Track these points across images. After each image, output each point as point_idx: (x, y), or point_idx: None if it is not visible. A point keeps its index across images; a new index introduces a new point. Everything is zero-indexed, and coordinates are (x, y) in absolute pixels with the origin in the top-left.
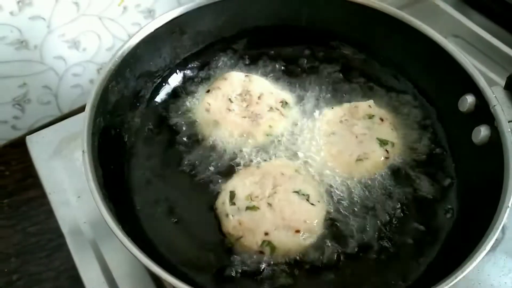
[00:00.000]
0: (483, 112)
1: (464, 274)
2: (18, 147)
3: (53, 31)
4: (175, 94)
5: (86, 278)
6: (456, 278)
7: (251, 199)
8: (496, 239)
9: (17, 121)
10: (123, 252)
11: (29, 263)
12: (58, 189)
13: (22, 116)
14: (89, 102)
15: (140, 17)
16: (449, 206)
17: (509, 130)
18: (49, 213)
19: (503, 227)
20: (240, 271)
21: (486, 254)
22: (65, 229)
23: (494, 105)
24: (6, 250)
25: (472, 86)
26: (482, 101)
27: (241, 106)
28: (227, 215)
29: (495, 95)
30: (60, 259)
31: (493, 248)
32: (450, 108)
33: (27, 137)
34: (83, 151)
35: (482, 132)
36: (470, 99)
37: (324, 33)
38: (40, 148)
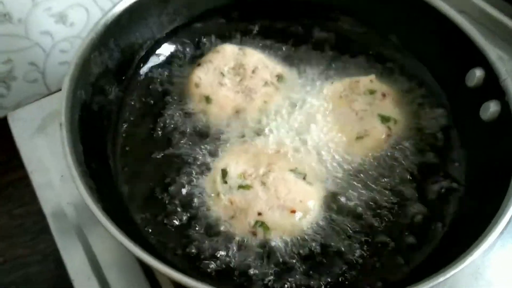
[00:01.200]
0: (493, 87)
1: (471, 259)
2: (3, 126)
3: (38, 4)
4: (163, 67)
5: (70, 263)
6: (462, 263)
7: (244, 178)
8: None
9: (2, 99)
10: (108, 235)
11: (14, 246)
12: (41, 168)
13: (7, 94)
14: (69, 73)
15: None
16: (456, 186)
17: None
18: (34, 194)
19: None
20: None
21: None
22: (47, 210)
23: (505, 79)
24: None
25: (480, 59)
26: (491, 75)
27: (234, 80)
28: (218, 194)
29: (505, 68)
30: (45, 241)
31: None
32: (457, 83)
33: (9, 113)
34: (60, 124)
35: (491, 108)
36: (478, 73)
37: (323, 4)
38: (22, 125)
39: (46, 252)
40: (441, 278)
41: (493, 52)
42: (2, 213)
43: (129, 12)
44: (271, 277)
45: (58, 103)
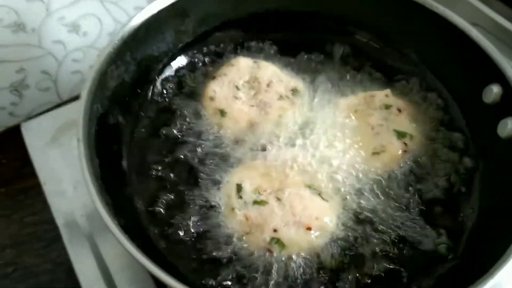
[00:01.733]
0: (510, 103)
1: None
2: (16, 134)
3: (52, 14)
4: (179, 80)
5: (81, 273)
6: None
7: (259, 193)
8: None
9: (15, 107)
10: (120, 247)
11: (25, 255)
12: (54, 179)
13: (19, 103)
14: (86, 87)
15: (143, 1)
16: (472, 206)
17: None
18: (46, 203)
19: None
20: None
21: None
22: (60, 221)
23: None
24: (2, 240)
25: (498, 75)
26: (509, 91)
27: (248, 94)
28: (233, 209)
29: None
30: (57, 250)
31: None
32: (474, 99)
33: (22, 123)
34: (78, 140)
35: (509, 125)
36: (496, 89)
37: (339, 18)
38: (35, 136)
39: (57, 261)
40: None
41: (510, 68)
42: (14, 221)
43: (146, 25)
44: None
45: (75, 115)
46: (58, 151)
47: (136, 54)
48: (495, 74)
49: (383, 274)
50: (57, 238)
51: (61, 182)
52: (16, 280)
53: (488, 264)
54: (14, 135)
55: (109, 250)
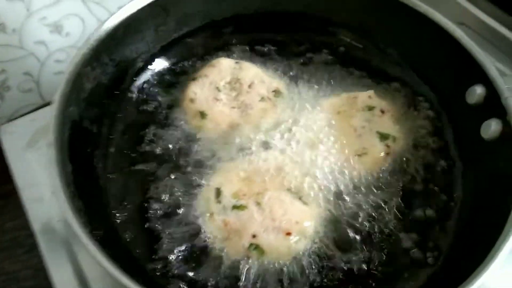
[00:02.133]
0: (494, 105)
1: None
2: None
3: (33, 14)
4: (158, 81)
5: (58, 280)
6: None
7: (239, 197)
8: None
9: None
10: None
11: (6, 261)
12: (31, 183)
13: (1, 105)
14: (59, 90)
15: (126, 0)
16: (454, 206)
17: None
18: None
19: None
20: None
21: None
22: (36, 227)
23: (507, 97)
24: None
25: (481, 76)
26: (492, 92)
27: (229, 95)
28: (211, 215)
29: (507, 86)
30: (38, 256)
31: None
32: (457, 100)
33: (1, 126)
34: (48, 145)
35: (492, 127)
36: (479, 90)
37: (323, 18)
38: (13, 139)
39: (38, 266)
40: None
41: (494, 69)
42: None
43: (124, 25)
44: None
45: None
46: (36, 155)
47: (114, 55)
48: (479, 75)
49: (363, 280)
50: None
51: (38, 187)
52: None
53: (470, 269)
54: None
55: (86, 257)
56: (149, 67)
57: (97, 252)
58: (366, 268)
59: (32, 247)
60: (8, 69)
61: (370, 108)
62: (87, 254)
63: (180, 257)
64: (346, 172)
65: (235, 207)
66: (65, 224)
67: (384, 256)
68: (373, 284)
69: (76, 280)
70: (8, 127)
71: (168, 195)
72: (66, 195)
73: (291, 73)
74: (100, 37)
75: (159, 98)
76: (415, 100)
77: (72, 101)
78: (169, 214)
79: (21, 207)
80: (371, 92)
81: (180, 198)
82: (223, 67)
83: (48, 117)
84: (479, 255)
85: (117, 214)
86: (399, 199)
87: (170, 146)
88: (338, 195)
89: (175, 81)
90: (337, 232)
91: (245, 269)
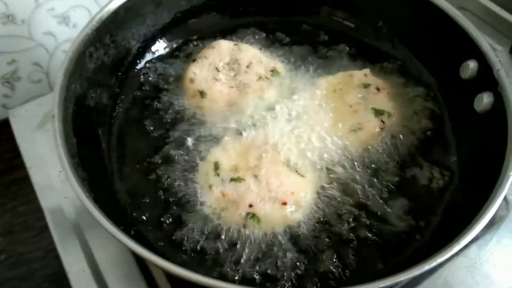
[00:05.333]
0: (486, 78)
1: (460, 246)
2: (8, 126)
3: (41, 5)
4: (158, 62)
5: (67, 260)
6: (451, 250)
7: (236, 170)
8: (500, 216)
9: (7, 99)
10: (105, 231)
11: (17, 243)
12: (40, 163)
13: (12, 95)
14: (63, 67)
15: None
16: (448, 178)
17: None
18: None
19: (507, 203)
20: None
21: (489, 232)
22: (45, 205)
23: (498, 69)
24: None
25: (474, 51)
26: (485, 66)
27: (228, 75)
28: (210, 187)
29: (499, 59)
30: (48, 238)
31: (497, 226)
32: (451, 76)
33: (10, 111)
34: (53, 116)
35: (484, 99)
36: (472, 64)
37: None
38: (23, 122)
39: (48, 248)
40: (426, 267)
41: (486, 44)
42: (6, 211)
43: (125, 8)
44: (259, 267)
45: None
46: (45, 136)
47: (115, 37)
48: (471, 50)
49: (356, 253)
50: (48, 226)
51: (46, 167)
52: (8, 266)
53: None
54: (6, 127)
55: (94, 235)
56: (150, 48)
57: (100, 215)
58: (355, 238)
59: (42, 230)
60: (19, 59)
61: (366, 86)
62: (94, 231)
63: (180, 227)
64: (341, 146)
65: (232, 179)
66: (72, 203)
67: (375, 226)
68: (363, 251)
69: (86, 260)
70: (17, 111)
71: (170, 169)
72: (69, 163)
73: (288, 54)
74: (102, 18)
75: (160, 79)
76: (409, 77)
77: (75, 78)
78: (171, 187)
79: (32, 192)
80: (366, 70)
81: (181, 173)
82: (222, 49)
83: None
84: (467, 221)
85: (121, 189)
86: (393, 173)
87: (171, 125)
88: (333, 168)
89: (175, 62)
90: (331, 203)
91: (242, 237)
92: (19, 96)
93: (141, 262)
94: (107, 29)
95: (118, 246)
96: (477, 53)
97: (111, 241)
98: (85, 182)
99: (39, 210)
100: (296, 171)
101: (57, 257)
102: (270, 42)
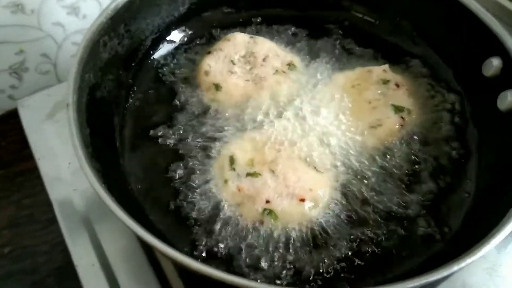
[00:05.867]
0: (510, 75)
1: (481, 254)
2: (15, 117)
3: None
4: (173, 54)
5: (74, 249)
6: (475, 255)
7: (253, 165)
8: None
9: (14, 90)
10: (115, 224)
11: (22, 236)
12: (49, 154)
13: (19, 86)
14: (77, 55)
15: None
16: (470, 180)
17: None
18: (44, 185)
19: None
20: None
21: (510, 234)
22: (54, 197)
23: None
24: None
25: (498, 48)
26: (509, 64)
27: (244, 68)
28: (226, 181)
29: None
30: (54, 232)
31: None
32: (473, 73)
33: (18, 101)
34: (67, 104)
35: (508, 97)
36: (495, 62)
37: None
38: (32, 113)
39: (54, 242)
40: (455, 267)
41: (511, 40)
42: (12, 203)
43: None
44: (277, 264)
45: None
46: (54, 127)
47: (130, 27)
48: (495, 46)
49: (375, 251)
50: (54, 220)
51: (56, 159)
52: (13, 259)
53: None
54: (13, 118)
55: (104, 228)
56: (165, 40)
57: (114, 205)
58: (375, 238)
59: (48, 223)
60: (27, 49)
61: (385, 82)
62: (104, 224)
63: (194, 221)
64: (360, 143)
65: (249, 174)
66: (82, 195)
67: (394, 228)
68: (380, 254)
69: (95, 253)
70: (25, 101)
71: (184, 163)
72: (83, 153)
73: (305, 48)
74: (117, 7)
75: (175, 71)
76: (430, 74)
77: (89, 68)
78: (185, 181)
79: (38, 184)
80: (386, 66)
81: (196, 166)
82: (238, 41)
83: (65, 91)
84: (488, 228)
85: (134, 181)
86: (413, 171)
87: (185, 118)
88: (352, 164)
89: (190, 54)
90: (349, 201)
91: (258, 233)
92: (26, 87)
93: (151, 256)
94: (122, 18)
95: (128, 240)
96: (501, 49)
97: (121, 234)
98: (99, 173)
99: (45, 203)
100: (314, 167)
101: (62, 251)
102: (287, 35)
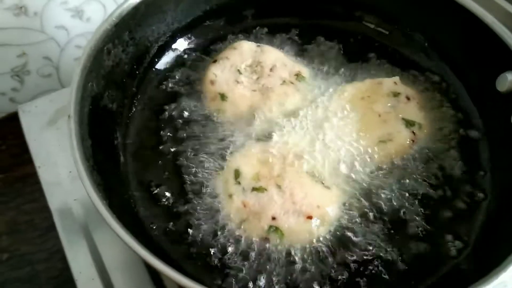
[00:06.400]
0: None
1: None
2: (16, 120)
3: None
4: (179, 63)
5: (74, 262)
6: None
7: (258, 179)
8: None
9: (16, 93)
10: (114, 234)
11: (20, 242)
12: (49, 162)
13: (21, 89)
14: (80, 63)
15: None
16: (482, 197)
17: None
18: None
19: None
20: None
21: None
22: (53, 206)
23: None
24: None
25: None
26: None
27: (250, 78)
28: (230, 196)
29: None
30: (53, 239)
31: None
32: (487, 88)
33: (19, 106)
34: (69, 116)
35: None
36: (510, 77)
37: (347, 2)
38: (32, 118)
39: (53, 250)
40: None
41: None
42: (11, 208)
43: (145, 4)
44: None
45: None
46: (55, 134)
47: (134, 34)
48: (510, 61)
49: (384, 270)
50: (54, 226)
51: (56, 167)
52: (11, 267)
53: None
54: (14, 121)
55: (103, 239)
56: (170, 48)
57: (115, 224)
58: (382, 256)
59: (47, 230)
60: (29, 52)
61: (395, 94)
62: (104, 235)
63: (197, 237)
64: (369, 158)
65: (254, 188)
66: (82, 205)
67: (403, 242)
68: (390, 269)
69: (92, 261)
70: (27, 106)
71: (187, 176)
72: (84, 167)
73: (314, 58)
74: (122, 14)
75: (179, 79)
76: (442, 87)
77: (92, 77)
78: (187, 194)
79: (38, 189)
80: (396, 78)
81: (199, 180)
82: (245, 50)
83: (67, 98)
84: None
85: (136, 193)
86: (424, 188)
87: (189, 128)
88: (361, 180)
89: (195, 63)
90: (358, 217)
91: (263, 250)
92: (27, 90)
93: (151, 268)
94: (127, 25)
95: (128, 251)
96: None
97: (122, 246)
98: (100, 187)
99: (45, 209)
100: (321, 183)
101: (61, 259)
102: (296, 45)
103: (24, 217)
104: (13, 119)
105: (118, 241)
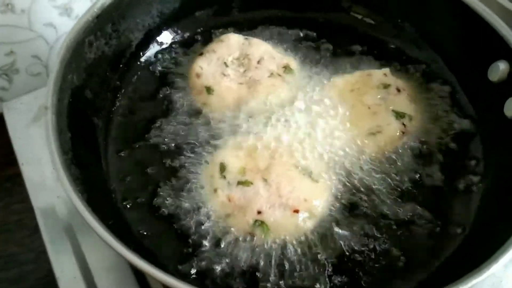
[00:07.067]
0: None
1: (495, 268)
2: (4, 120)
3: None
4: (163, 55)
5: (56, 261)
6: (484, 272)
7: (244, 173)
8: None
9: (4, 92)
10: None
11: (9, 242)
12: (33, 159)
13: (9, 88)
14: (59, 55)
15: None
16: (475, 189)
17: None
18: None
19: None
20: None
21: None
22: (36, 204)
23: None
24: None
25: (505, 51)
26: None
27: (237, 71)
28: (215, 190)
29: None
30: (41, 239)
31: None
32: (478, 78)
33: (4, 103)
34: (45, 107)
35: None
36: (502, 66)
37: None
38: (17, 116)
39: (41, 249)
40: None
41: None
42: (0, 208)
43: None
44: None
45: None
46: (39, 131)
47: (118, 26)
48: (502, 50)
49: (378, 261)
50: None
51: (39, 163)
52: None
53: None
54: (2, 121)
55: (87, 237)
56: (155, 40)
57: (92, 219)
58: (372, 249)
59: (36, 230)
60: (17, 51)
61: (386, 86)
62: (87, 233)
63: (180, 233)
64: (359, 150)
65: (240, 182)
66: (65, 203)
67: (393, 234)
68: (381, 262)
69: (75, 260)
70: (11, 104)
71: (172, 170)
72: (61, 160)
73: (302, 50)
74: (104, 5)
75: (165, 73)
76: (432, 78)
77: (72, 69)
78: (173, 189)
79: (27, 190)
80: (386, 70)
81: (184, 174)
82: (232, 43)
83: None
84: (499, 238)
85: (117, 188)
86: (414, 179)
87: (175, 122)
88: (350, 173)
89: (181, 55)
90: (346, 210)
91: (248, 246)
92: (16, 89)
93: (135, 268)
94: (110, 17)
95: (112, 250)
96: (508, 53)
97: (105, 244)
98: (78, 181)
99: (33, 209)
100: (309, 176)
101: (49, 260)
102: (284, 37)
103: (13, 217)
104: (2, 118)
105: (101, 240)
